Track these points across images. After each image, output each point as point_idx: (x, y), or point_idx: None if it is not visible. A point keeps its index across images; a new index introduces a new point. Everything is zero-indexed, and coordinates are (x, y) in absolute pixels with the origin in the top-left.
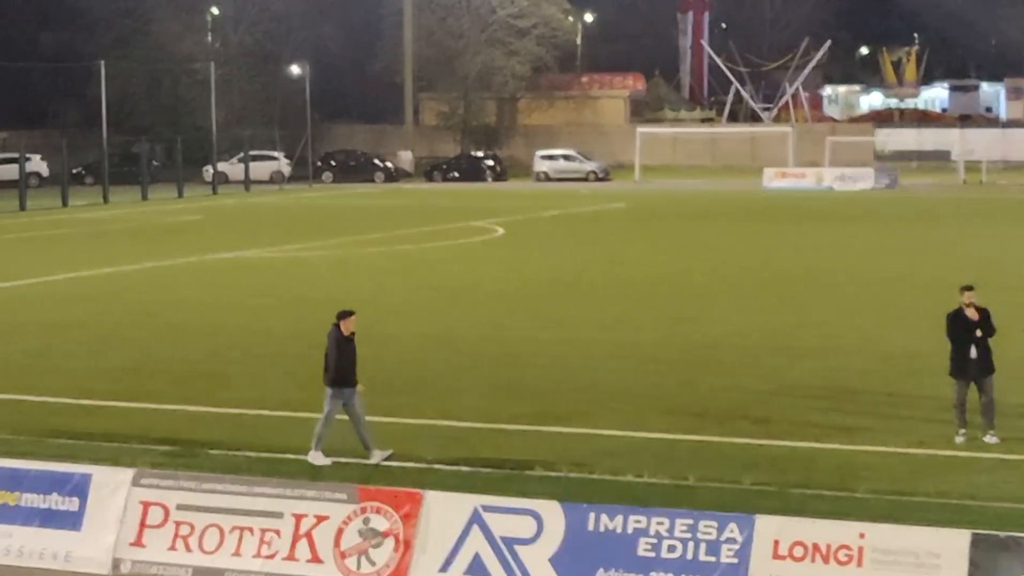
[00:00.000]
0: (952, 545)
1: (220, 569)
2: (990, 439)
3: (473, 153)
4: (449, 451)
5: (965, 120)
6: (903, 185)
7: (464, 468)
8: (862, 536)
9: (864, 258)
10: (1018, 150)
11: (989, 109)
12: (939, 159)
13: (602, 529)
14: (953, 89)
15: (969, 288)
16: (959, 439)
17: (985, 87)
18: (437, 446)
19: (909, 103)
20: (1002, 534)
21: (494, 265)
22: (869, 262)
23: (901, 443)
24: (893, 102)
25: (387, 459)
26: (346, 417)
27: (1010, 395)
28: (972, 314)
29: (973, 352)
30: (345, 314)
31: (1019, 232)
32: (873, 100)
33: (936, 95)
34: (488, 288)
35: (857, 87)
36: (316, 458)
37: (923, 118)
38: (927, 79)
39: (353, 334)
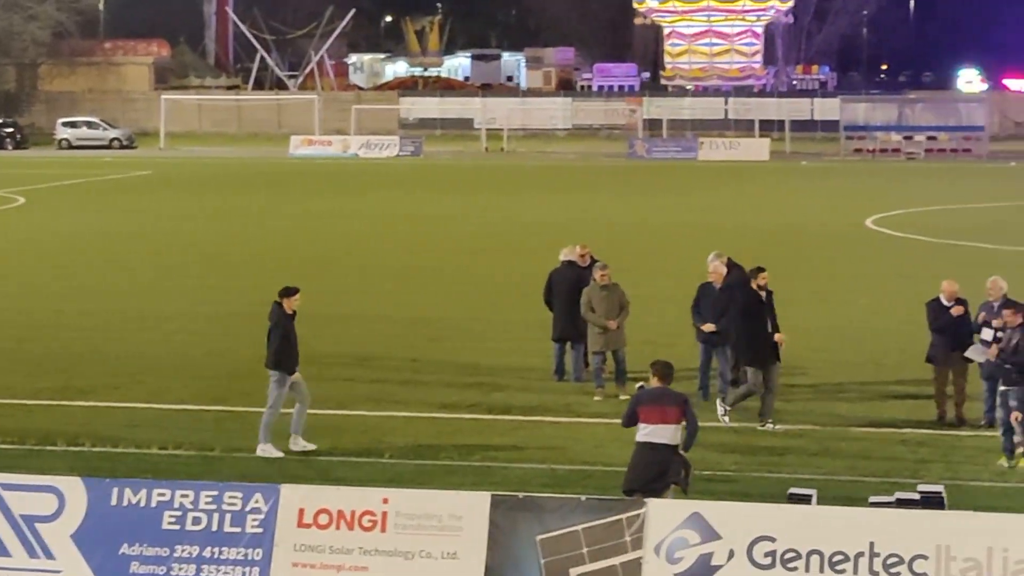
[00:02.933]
0: (473, 507)
1: None
2: (770, 427)
3: None
4: None
5: (487, 89)
6: (427, 152)
7: None
8: (386, 501)
9: (388, 225)
10: (537, 119)
11: (510, 78)
12: (462, 127)
13: (125, 504)
14: (475, 58)
15: (762, 269)
16: (726, 422)
17: (506, 56)
18: None
19: (433, 72)
20: (521, 495)
21: (15, 235)
22: (392, 229)
23: (426, 408)
24: (417, 71)
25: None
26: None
27: (505, 357)
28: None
29: (773, 335)
30: (289, 291)
31: (538, 198)
32: (398, 68)
33: (459, 64)
34: (9, 259)
35: (382, 56)
36: (267, 451)
37: (446, 86)
38: (450, 48)
39: (295, 313)
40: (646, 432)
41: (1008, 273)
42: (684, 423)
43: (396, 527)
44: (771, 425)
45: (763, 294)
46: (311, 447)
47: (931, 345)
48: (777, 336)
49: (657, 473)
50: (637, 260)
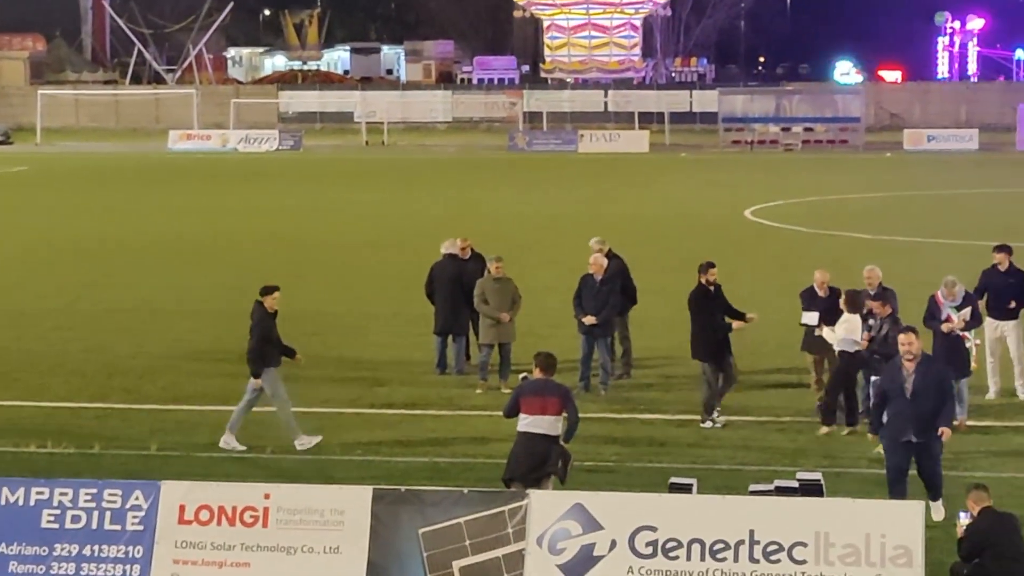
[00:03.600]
0: (355, 501)
1: None
2: (711, 423)
3: None
4: None
5: (366, 82)
6: (307, 146)
7: None
8: (267, 497)
9: (269, 219)
10: (417, 112)
11: (390, 71)
12: (342, 120)
13: (3, 503)
14: (354, 52)
15: (712, 265)
16: (714, 424)
17: (386, 50)
18: None
19: (312, 65)
20: (403, 488)
21: None
22: (275, 223)
23: (307, 403)
24: (296, 64)
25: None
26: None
27: (387, 351)
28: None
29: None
30: (268, 290)
31: (419, 191)
32: (277, 62)
33: (338, 57)
34: None
35: (261, 49)
36: (304, 442)
37: (326, 80)
38: (329, 42)
39: (276, 311)
40: (527, 422)
41: (883, 261)
42: (565, 414)
43: (278, 522)
44: (718, 419)
45: (711, 289)
46: (241, 448)
47: (806, 334)
48: (735, 323)
49: (537, 463)
50: (518, 252)
